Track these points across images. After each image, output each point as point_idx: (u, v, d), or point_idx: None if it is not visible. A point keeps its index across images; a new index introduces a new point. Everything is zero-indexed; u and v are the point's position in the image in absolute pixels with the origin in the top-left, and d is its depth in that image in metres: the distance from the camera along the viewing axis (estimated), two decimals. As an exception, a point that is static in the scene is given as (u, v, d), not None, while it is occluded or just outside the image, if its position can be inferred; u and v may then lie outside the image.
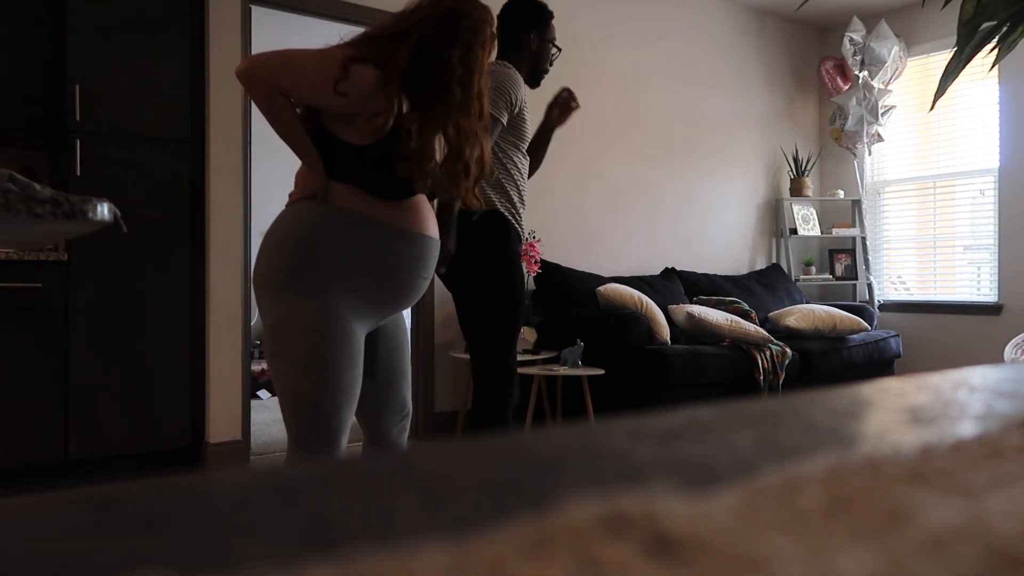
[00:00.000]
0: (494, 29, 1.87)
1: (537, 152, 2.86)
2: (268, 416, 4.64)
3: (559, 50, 2.81)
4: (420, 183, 1.76)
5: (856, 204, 5.96)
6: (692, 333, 4.46)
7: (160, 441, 3.51)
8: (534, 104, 2.79)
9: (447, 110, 1.74)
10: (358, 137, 1.72)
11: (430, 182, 1.80)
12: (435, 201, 2.21)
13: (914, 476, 0.26)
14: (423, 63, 1.74)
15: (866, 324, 5.04)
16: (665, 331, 4.29)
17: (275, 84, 1.68)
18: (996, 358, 4.99)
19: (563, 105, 2.80)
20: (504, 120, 2.58)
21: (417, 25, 1.75)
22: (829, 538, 0.20)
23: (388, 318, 1.89)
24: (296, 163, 1.83)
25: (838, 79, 5.80)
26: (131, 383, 3.43)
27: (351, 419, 1.77)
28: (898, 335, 5.32)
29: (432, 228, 1.84)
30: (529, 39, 2.71)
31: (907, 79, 5.74)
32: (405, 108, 1.79)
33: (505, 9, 2.74)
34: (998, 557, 0.19)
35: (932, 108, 1.98)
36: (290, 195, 1.81)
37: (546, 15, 2.76)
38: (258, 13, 3.93)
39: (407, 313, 5.25)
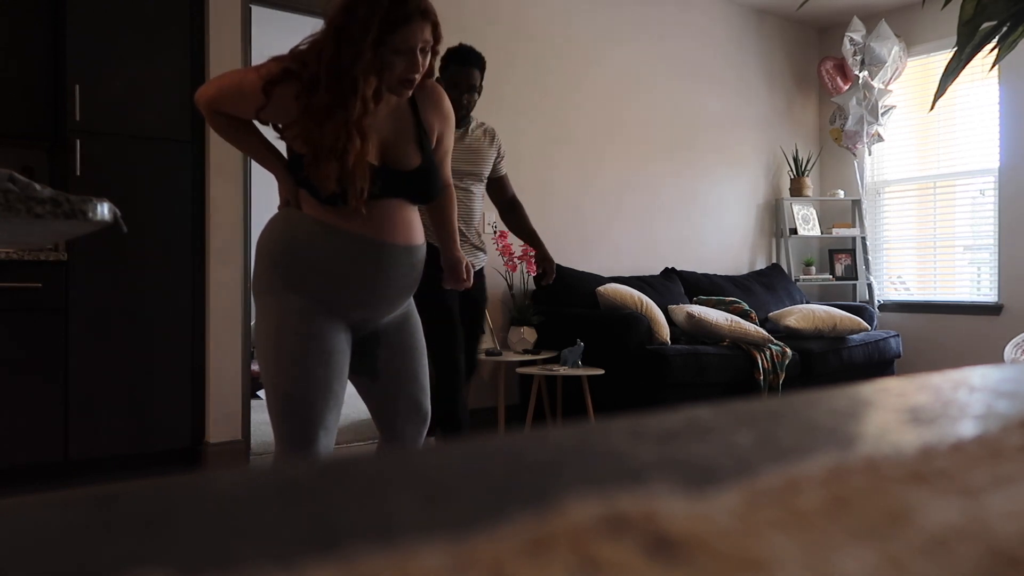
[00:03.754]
0: (401, 4, 1.68)
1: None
2: (268, 416, 4.63)
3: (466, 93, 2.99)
4: (325, 184, 1.68)
5: (856, 204, 5.96)
6: (692, 333, 4.46)
7: (160, 441, 3.51)
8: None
9: (318, 98, 1.67)
10: (299, 146, 1.75)
11: (346, 183, 1.70)
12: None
13: (914, 476, 0.26)
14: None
15: (866, 324, 5.04)
16: (665, 331, 4.29)
17: (214, 106, 1.80)
18: (996, 358, 4.99)
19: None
20: None
21: (330, 23, 1.71)
22: (829, 538, 0.20)
23: (382, 320, 1.88)
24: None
25: (838, 79, 5.80)
26: (131, 383, 3.43)
27: (332, 415, 1.80)
28: (898, 335, 5.32)
29: (400, 235, 1.79)
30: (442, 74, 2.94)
31: (907, 79, 5.74)
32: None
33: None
34: (998, 557, 0.19)
35: (932, 108, 1.98)
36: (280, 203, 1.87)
37: (449, 60, 2.97)
38: (258, 13, 3.93)
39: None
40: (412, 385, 1.95)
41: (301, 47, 1.76)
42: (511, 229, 3.37)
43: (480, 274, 3.05)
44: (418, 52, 1.72)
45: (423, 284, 1.97)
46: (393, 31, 1.68)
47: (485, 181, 3.14)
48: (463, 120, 3.03)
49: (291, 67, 1.71)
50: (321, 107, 1.67)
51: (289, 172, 1.80)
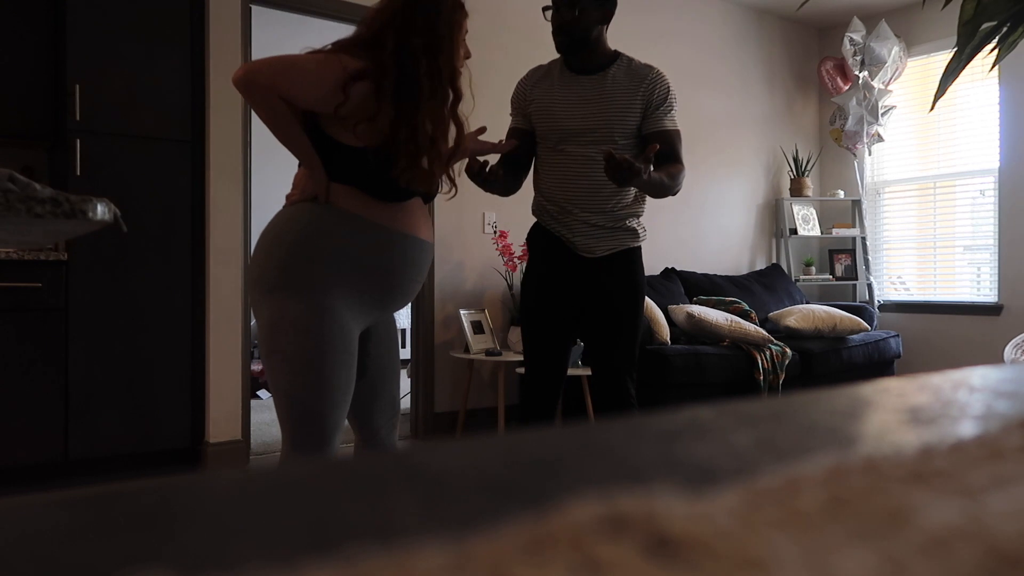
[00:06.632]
0: (460, 4, 1.82)
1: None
2: (268, 416, 4.64)
3: (546, 10, 2.48)
4: (419, 182, 1.75)
5: (856, 204, 5.96)
6: (692, 333, 4.46)
7: (160, 441, 3.51)
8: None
9: (420, 103, 1.73)
10: (357, 139, 1.72)
11: (433, 180, 1.79)
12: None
13: (914, 476, 0.26)
14: (400, 62, 1.73)
15: (866, 324, 5.04)
16: (665, 331, 4.29)
17: (275, 90, 1.68)
18: (996, 358, 4.99)
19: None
20: (516, 123, 2.54)
21: (386, 26, 1.75)
22: (829, 538, 0.20)
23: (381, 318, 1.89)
24: (295, 163, 1.84)
25: (838, 79, 5.80)
26: (131, 383, 3.43)
27: (345, 418, 1.78)
28: (898, 335, 5.32)
29: (425, 231, 1.83)
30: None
31: (907, 79, 5.74)
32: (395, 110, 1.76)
33: None
34: (998, 557, 0.19)
35: (932, 108, 1.98)
36: (288, 196, 1.82)
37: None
38: (258, 13, 3.93)
39: (403, 312, 5.25)
40: (392, 382, 1.96)
41: (347, 42, 1.77)
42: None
43: (622, 257, 2.54)
44: None
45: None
46: (462, 24, 1.82)
47: (627, 142, 2.40)
48: (573, 47, 2.40)
49: (368, 66, 1.71)
50: (427, 102, 1.73)
51: (323, 166, 1.76)
